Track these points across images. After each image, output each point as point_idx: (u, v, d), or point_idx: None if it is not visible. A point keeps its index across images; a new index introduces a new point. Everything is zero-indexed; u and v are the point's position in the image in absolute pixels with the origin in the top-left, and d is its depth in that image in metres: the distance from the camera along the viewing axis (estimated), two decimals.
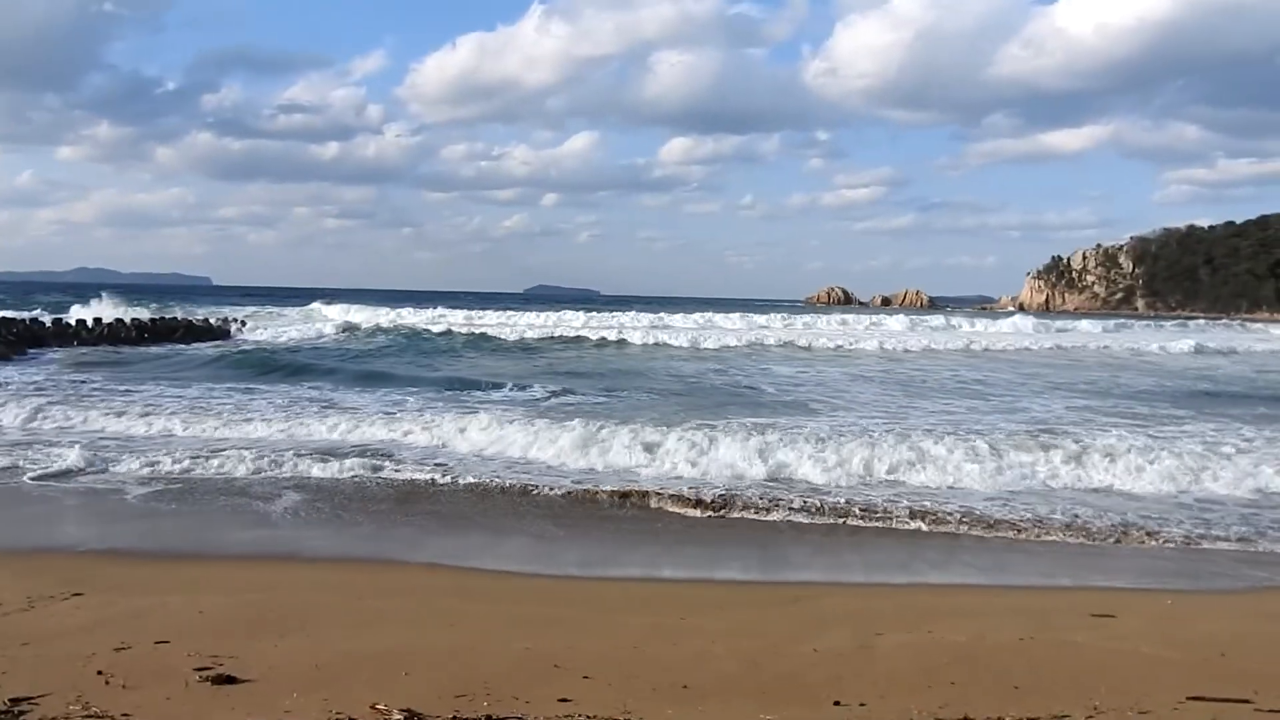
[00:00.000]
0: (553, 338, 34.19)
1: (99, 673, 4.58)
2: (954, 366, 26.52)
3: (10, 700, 4.22)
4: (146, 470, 10.41)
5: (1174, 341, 36.60)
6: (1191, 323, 70.68)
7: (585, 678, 4.68)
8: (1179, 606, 6.45)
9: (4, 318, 31.58)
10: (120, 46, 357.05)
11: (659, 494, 9.55)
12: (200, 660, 4.77)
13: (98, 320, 32.39)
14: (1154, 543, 8.26)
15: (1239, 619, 6.22)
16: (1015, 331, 44.94)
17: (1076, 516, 8.92)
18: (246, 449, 11.45)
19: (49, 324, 30.97)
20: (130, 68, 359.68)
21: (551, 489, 9.83)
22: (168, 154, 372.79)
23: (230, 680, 4.52)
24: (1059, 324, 51.97)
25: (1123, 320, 65.77)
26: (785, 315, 49.46)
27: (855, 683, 4.71)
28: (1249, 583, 7.21)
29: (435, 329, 36.48)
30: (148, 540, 7.99)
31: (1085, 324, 51.52)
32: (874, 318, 52.26)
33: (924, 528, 8.62)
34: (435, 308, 49.57)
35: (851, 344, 33.63)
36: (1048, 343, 36.86)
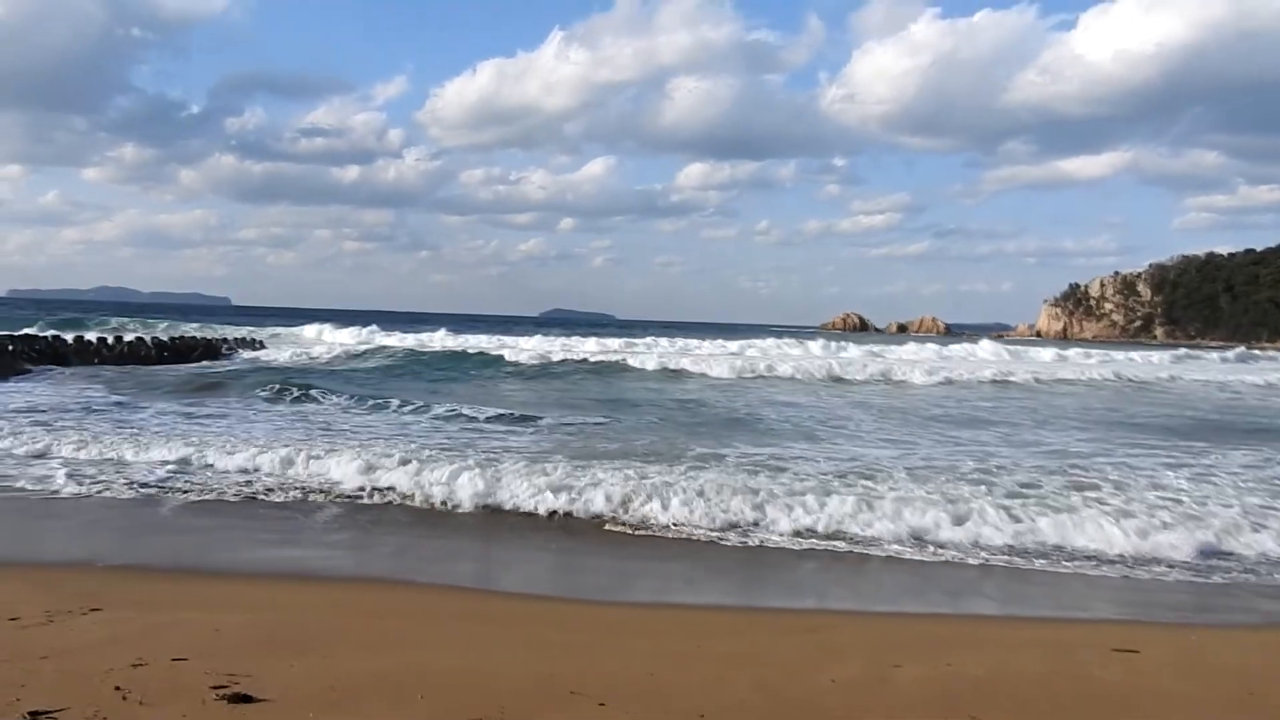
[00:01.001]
0: (566, 361, 34.22)
1: (116, 688, 4.59)
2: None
3: (29, 713, 4.24)
4: (162, 489, 10.48)
5: None
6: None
7: (601, 704, 4.65)
8: (1204, 641, 6.34)
9: (26, 334, 32.23)
10: (145, 70, 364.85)
11: (670, 522, 9.49)
12: (217, 678, 4.77)
13: (119, 339, 33.03)
14: (1174, 576, 8.13)
15: (1266, 654, 6.11)
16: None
17: (1090, 549, 8.79)
18: (260, 469, 11.54)
19: (70, 341, 31.45)
20: (155, 91, 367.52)
21: (559, 513, 9.80)
22: (191, 176, 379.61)
23: (246, 699, 4.52)
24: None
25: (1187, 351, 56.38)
26: (817, 341, 45.81)
27: (874, 714, 4.65)
28: (1274, 618, 7.09)
29: (448, 352, 36.62)
30: (164, 557, 8.03)
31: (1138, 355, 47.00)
32: (942, 347, 44.52)
33: (937, 558, 8.52)
34: (445, 330, 49.41)
35: (894, 375, 30.44)
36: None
